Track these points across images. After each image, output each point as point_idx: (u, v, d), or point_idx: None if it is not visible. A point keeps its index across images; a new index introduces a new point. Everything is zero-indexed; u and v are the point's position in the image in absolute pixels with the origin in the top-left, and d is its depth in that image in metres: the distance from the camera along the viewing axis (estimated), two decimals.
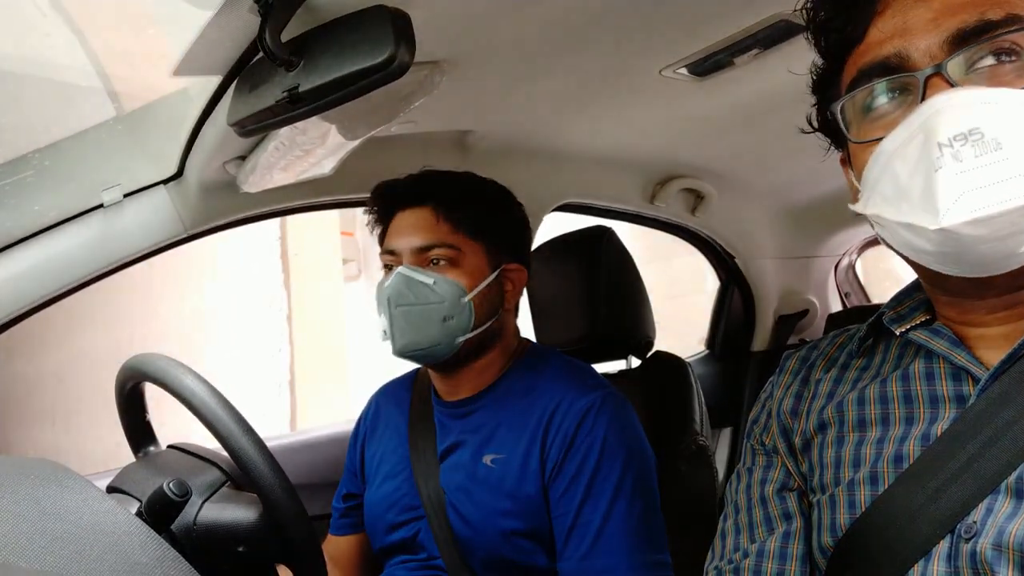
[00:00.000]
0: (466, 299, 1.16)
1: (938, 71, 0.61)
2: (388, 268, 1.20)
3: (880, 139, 0.64)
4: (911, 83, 0.63)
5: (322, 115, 0.83)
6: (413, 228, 1.18)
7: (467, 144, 1.54)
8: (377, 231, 1.27)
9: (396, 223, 1.21)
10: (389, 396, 1.36)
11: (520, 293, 1.27)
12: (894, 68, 0.64)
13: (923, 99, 0.61)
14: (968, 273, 0.63)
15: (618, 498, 1.08)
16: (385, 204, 1.24)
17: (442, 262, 1.17)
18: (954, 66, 0.61)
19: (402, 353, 1.17)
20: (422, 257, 1.17)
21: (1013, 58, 0.60)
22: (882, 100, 0.66)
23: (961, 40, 0.61)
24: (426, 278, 1.15)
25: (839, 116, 0.69)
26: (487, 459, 1.15)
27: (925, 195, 0.59)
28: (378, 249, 1.25)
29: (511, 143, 1.55)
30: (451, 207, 1.18)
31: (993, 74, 0.61)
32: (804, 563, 0.75)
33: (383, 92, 0.78)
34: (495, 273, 1.20)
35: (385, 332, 1.17)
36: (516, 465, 1.13)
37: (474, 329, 1.17)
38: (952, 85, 0.61)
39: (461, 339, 1.16)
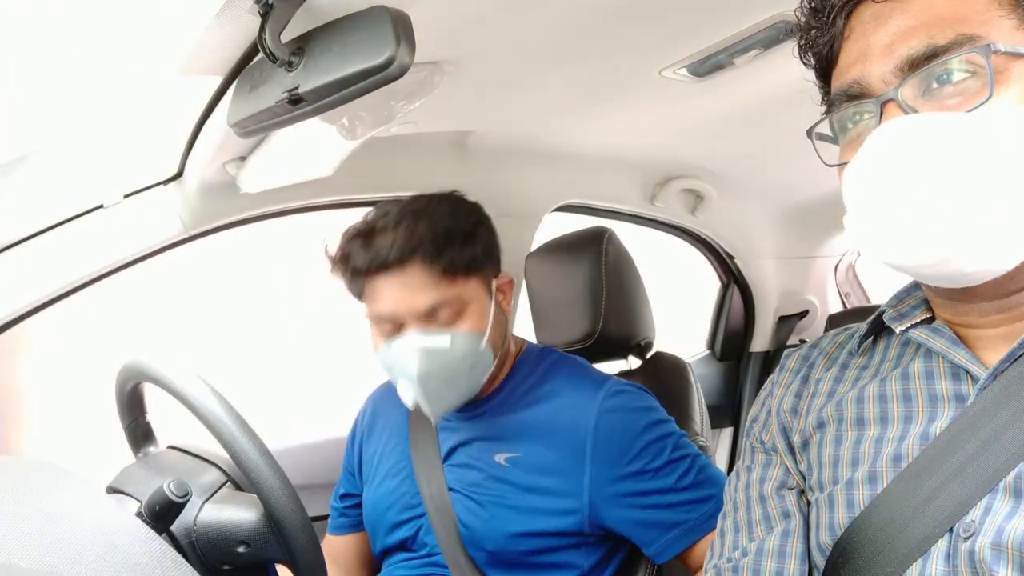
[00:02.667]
0: (484, 343, 1.12)
1: (892, 97, 0.63)
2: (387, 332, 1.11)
3: (847, 163, 0.66)
4: (872, 108, 0.65)
5: (322, 116, 0.83)
6: (410, 290, 1.06)
7: (467, 145, 1.54)
8: (345, 282, 1.15)
9: (383, 287, 1.08)
10: (386, 397, 1.35)
11: (510, 299, 1.23)
12: (856, 95, 0.66)
13: (879, 124, 0.63)
14: (942, 285, 0.64)
15: (681, 461, 1.11)
16: (358, 268, 1.09)
17: (450, 317, 1.09)
18: (908, 90, 0.63)
19: (443, 417, 1.17)
20: (429, 319, 1.08)
21: (965, 76, 0.61)
22: (851, 123, 0.68)
23: (911, 66, 0.62)
24: (443, 342, 1.07)
25: (829, 131, 0.72)
26: (500, 458, 1.15)
27: (868, 226, 0.63)
28: None
29: (511, 144, 1.55)
30: (438, 253, 1.06)
31: (944, 96, 0.62)
32: (803, 561, 0.75)
33: (383, 92, 0.78)
34: (492, 297, 1.16)
35: (417, 404, 1.10)
36: (534, 466, 1.12)
37: (493, 360, 1.16)
38: (905, 111, 0.62)
39: (485, 377, 1.15)
